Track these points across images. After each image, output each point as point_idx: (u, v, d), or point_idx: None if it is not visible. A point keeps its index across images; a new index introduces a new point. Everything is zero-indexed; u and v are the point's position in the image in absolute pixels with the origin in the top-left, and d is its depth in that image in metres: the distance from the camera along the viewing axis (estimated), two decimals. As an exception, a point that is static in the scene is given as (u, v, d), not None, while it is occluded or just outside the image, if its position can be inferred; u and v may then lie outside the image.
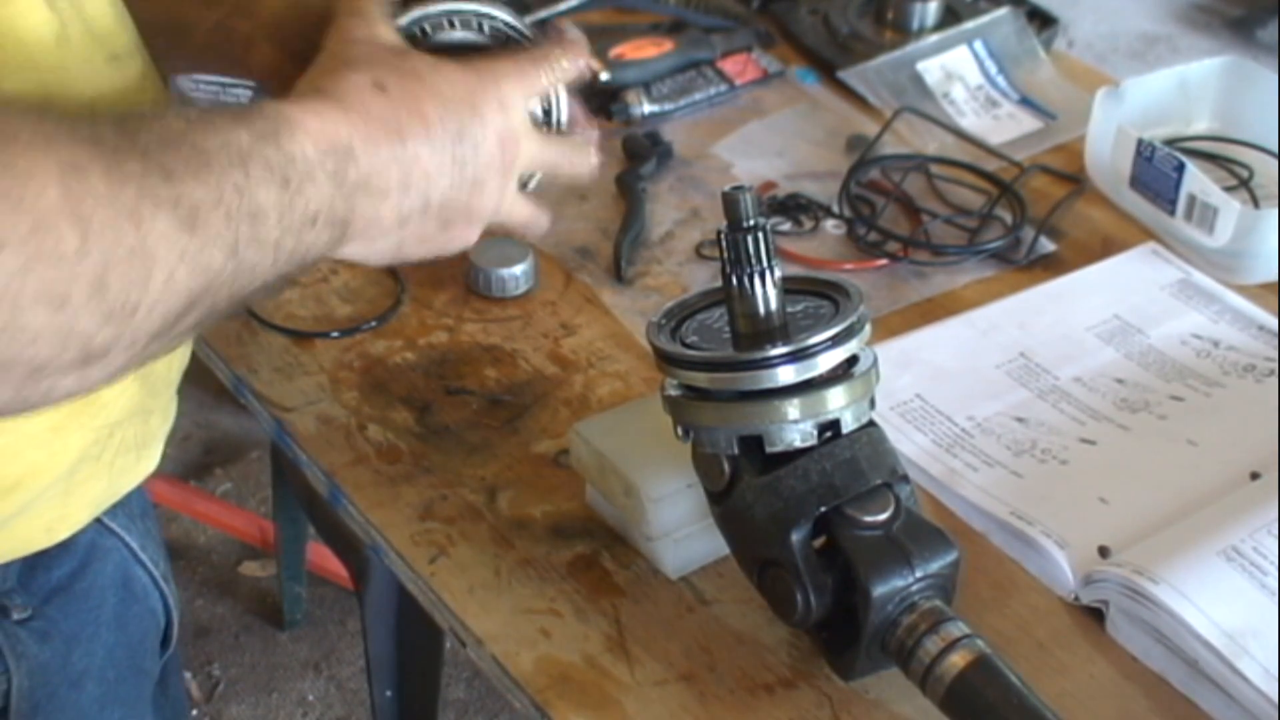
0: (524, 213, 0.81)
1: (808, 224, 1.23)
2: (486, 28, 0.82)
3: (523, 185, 0.81)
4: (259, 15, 0.84)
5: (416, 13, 0.80)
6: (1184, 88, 1.31)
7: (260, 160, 0.65)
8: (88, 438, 0.78)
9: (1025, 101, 1.39)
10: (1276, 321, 1.12)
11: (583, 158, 0.83)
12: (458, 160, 0.73)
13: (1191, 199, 1.17)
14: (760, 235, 0.80)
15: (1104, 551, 0.90)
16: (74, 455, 0.77)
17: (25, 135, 0.57)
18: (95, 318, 0.58)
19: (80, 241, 0.57)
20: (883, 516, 0.79)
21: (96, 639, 0.87)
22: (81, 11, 0.70)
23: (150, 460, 0.85)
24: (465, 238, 0.77)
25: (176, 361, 0.83)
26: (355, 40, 0.75)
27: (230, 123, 0.65)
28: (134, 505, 0.89)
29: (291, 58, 0.84)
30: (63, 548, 0.82)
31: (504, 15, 0.82)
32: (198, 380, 0.92)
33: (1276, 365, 1.08)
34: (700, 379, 0.81)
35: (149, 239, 0.59)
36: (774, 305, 0.81)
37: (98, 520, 0.84)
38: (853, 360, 0.82)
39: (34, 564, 0.81)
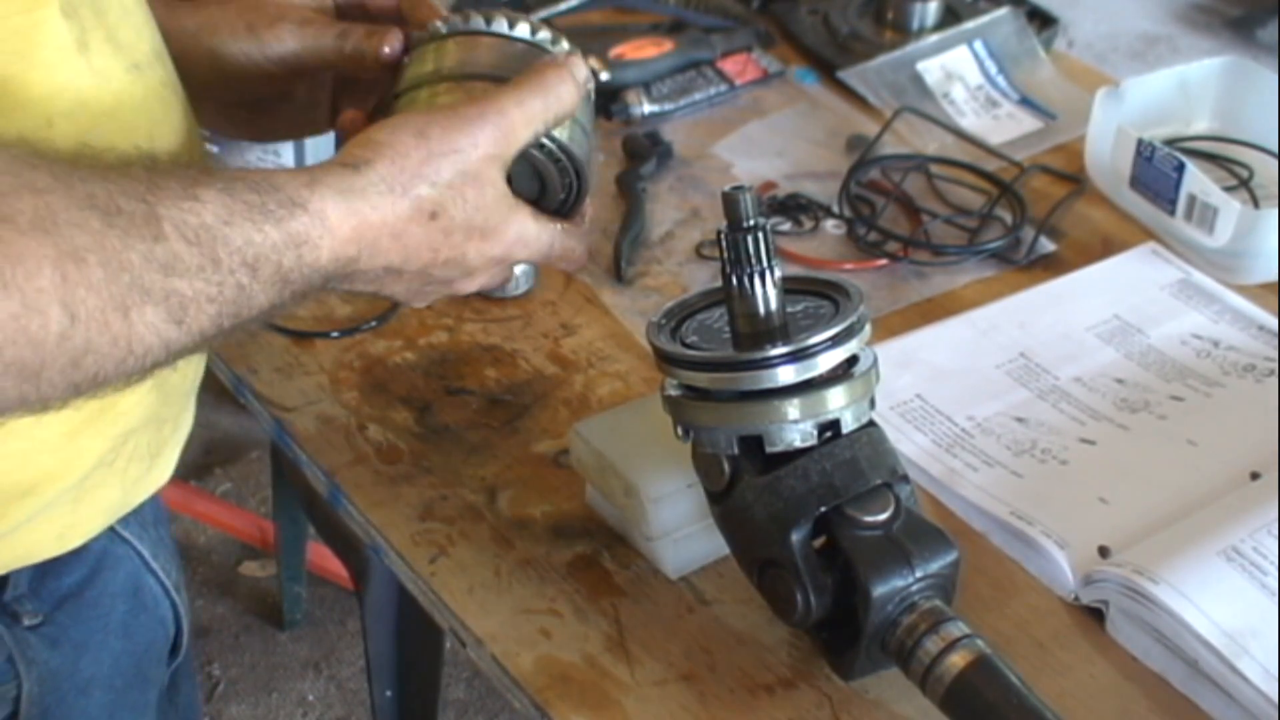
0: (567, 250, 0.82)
1: (808, 224, 1.23)
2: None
3: None
4: (190, 83, 0.83)
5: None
6: (1184, 88, 1.31)
7: (274, 266, 0.66)
8: (103, 445, 0.77)
9: (1025, 101, 1.39)
10: (1276, 321, 1.12)
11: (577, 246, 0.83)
12: (449, 261, 0.75)
13: (1191, 199, 1.17)
14: (760, 235, 0.80)
15: (1104, 551, 0.90)
16: (89, 462, 0.77)
17: (28, 215, 0.57)
18: (62, 388, 0.60)
19: (66, 326, 0.58)
20: (883, 516, 0.79)
21: (105, 647, 0.87)
22: (103, 19, 0.70)
23: (164, 469, 0.85)
24: (434, 300, 0.80)
25: (192, 370, 0.83)
26: (456, 147, 0.74)
27: (263, 216, 0.66)
28: (147, 514, 0.89)
29: (238, 109, 0.87)
30: (74, 555, 0.82)
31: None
32: (198, 380, 0.92)
33: (1276, 365, 1.08)
34: (700, 379, 0.81)
35: (135, 329, 0.61)
36: (774, 305, 0.81)
37: (110, 528, 0.84)
38: (853, 360, 0.82)
39: (45, 571, 0.81)
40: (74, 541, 0.81)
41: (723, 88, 1.38)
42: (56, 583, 0.83)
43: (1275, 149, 1.27)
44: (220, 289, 0.64)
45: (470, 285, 0.78)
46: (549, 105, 0.76)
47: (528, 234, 0.77)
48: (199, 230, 0.63)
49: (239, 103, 0.87)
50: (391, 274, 0.73)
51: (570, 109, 0.77)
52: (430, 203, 0.72)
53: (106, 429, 0.77)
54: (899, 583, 0.78)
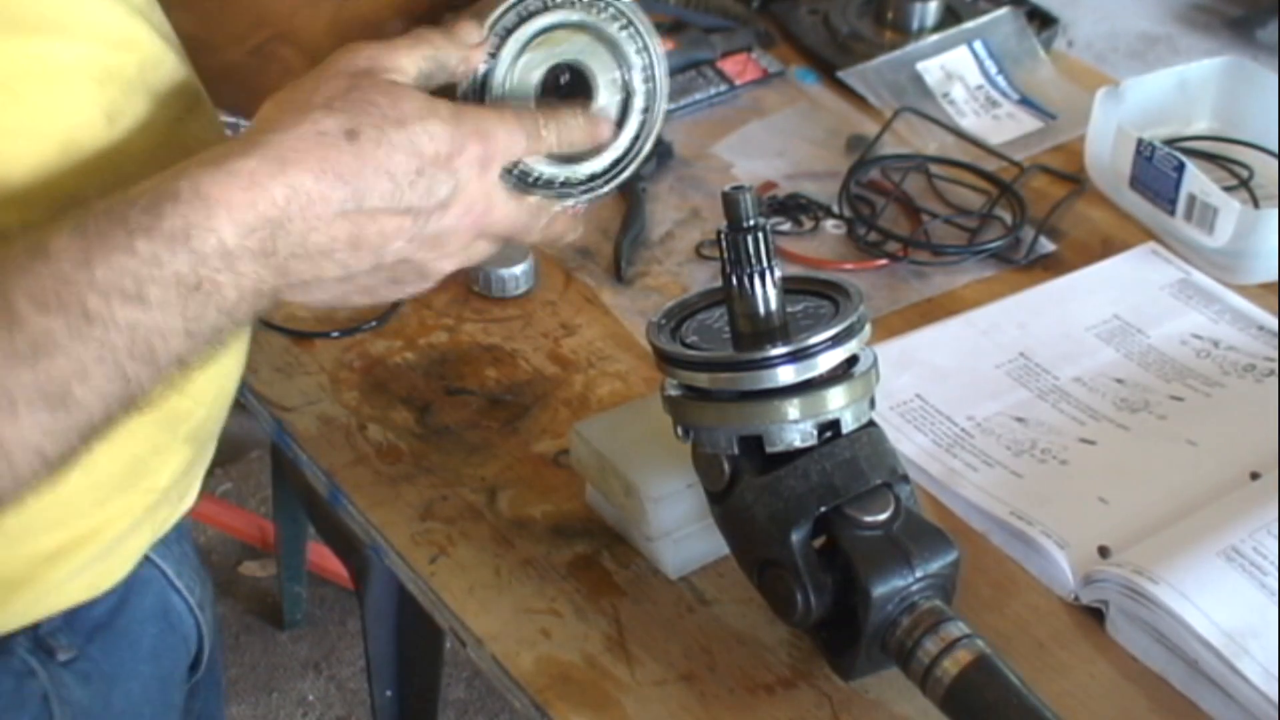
0: (556, 230, 0.76)
1: (808, 224, 1.23)
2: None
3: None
4: (302, 40, 0.80)
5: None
6: (1184, 88, 1.31)
7: (161, 280, 0.60)
8: (137, 506, 0.77)
9: (1025, 101, 1.39)
10: (1276, 321, 1.12)
11: (567, 226, 0.77)
12: (418, 221, 0.68)
13: (1191, 199, 1.17)
14: (760, 235, 0.80)
15: (1104, 551, 0.90)
16: (123, 524, 0.77)
17: None
18: None
19: None
20: (883, 516, 0.79)
21: (135, 675, 0.86)
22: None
23: (192, 498, 0.84)
24: (416, 290, 0.73)
25: (219, 408, 0.82)
26: (350, 70, 0.68)
27: (127, 234, 0.60)
28: (170, 531, 0.88)
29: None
30: None
31: None
32: (198, 380, 0.92)
33: (1276, 365, 1.08)
34: (700, 379, 0.81)
35: (19, 431, 0.58)
36: (774, 305, 0.81)
37: None
38: (853, 360, 0.82)
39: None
40: (105, 586, 0.81)
41: (723, 88, 1.38)
42: (88, 612, 0.82)
43: (1275, 149, 1.27)
44: (103, 344, 0.59)
45: (443, 263, 0.71)
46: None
47: (488, 127, 0.70)
48: (57, 290, 0.58)
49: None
50: (349, 248, 0.66)
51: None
52: (336, 121, 0.65)
53: (140, 491, 0.77)
54: (899, 583, 0.78)
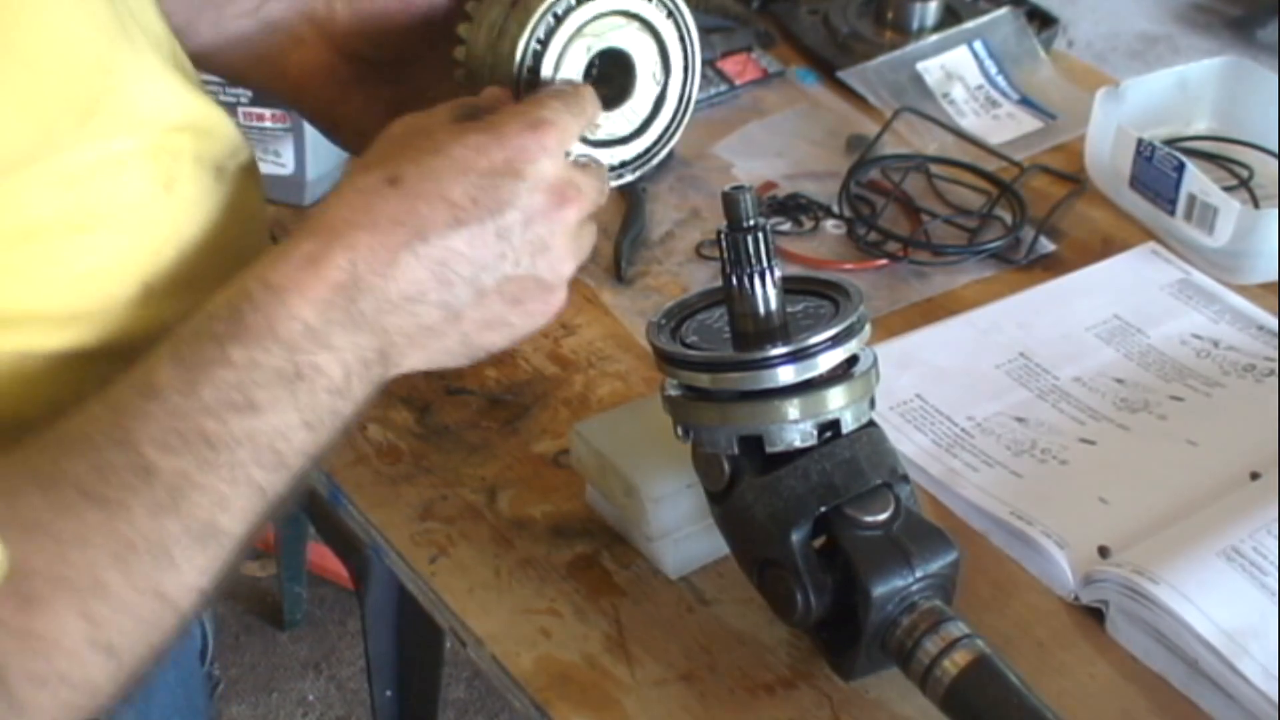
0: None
1: (808, 224, 1.23)
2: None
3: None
4: (313, 4, 0.79)
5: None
6: (1184, 88, 1.31)
7: (263, 381, 0.61)
8: None
9: (1025, 101, 1.39)
10: (1276, 321, 1.12)
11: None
12: (504, 234, 0.66)
13: (1191, 199, 1.17)
14: (760, 235, 0.80)
15: (1104, 551, 0.90)
16: None
17: (41, 562, 0.56)
18: (112, 684, 0.59)
19: (108, 659, 0.58)
20: (883, 516, 0.79)
21: (163, 683, 0.86)
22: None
23: None
24: (548, 308, 0.70)
25: None
26: (385, 135, 0.69)
27: (221, 348, 0.61)
28: None
29: (346, 59, 0.81)
30: None
31: None
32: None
33: (1276, 365, 1.08)
34: (700, 379, 0.81)
35: (175, 593, 0.59)
36: (774, 305, 0.81)
37: None
38: (853, 360, 0.82)
39: None
40: None
41: (723, 88, 1.38)
42: None
43: (1275, 149, 1.27)
44: (232, 466, 0.60)
45: (554, 263, 0.69)
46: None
47: (575, 168, 0.69)
48: (175, 426, 0.59)
49: (375, 60, 0.81)
50: (440, 287, 0.65)
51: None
52: (375, 175, 0.65)
53: None
54: (899, 583, 0.78)
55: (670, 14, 0.77)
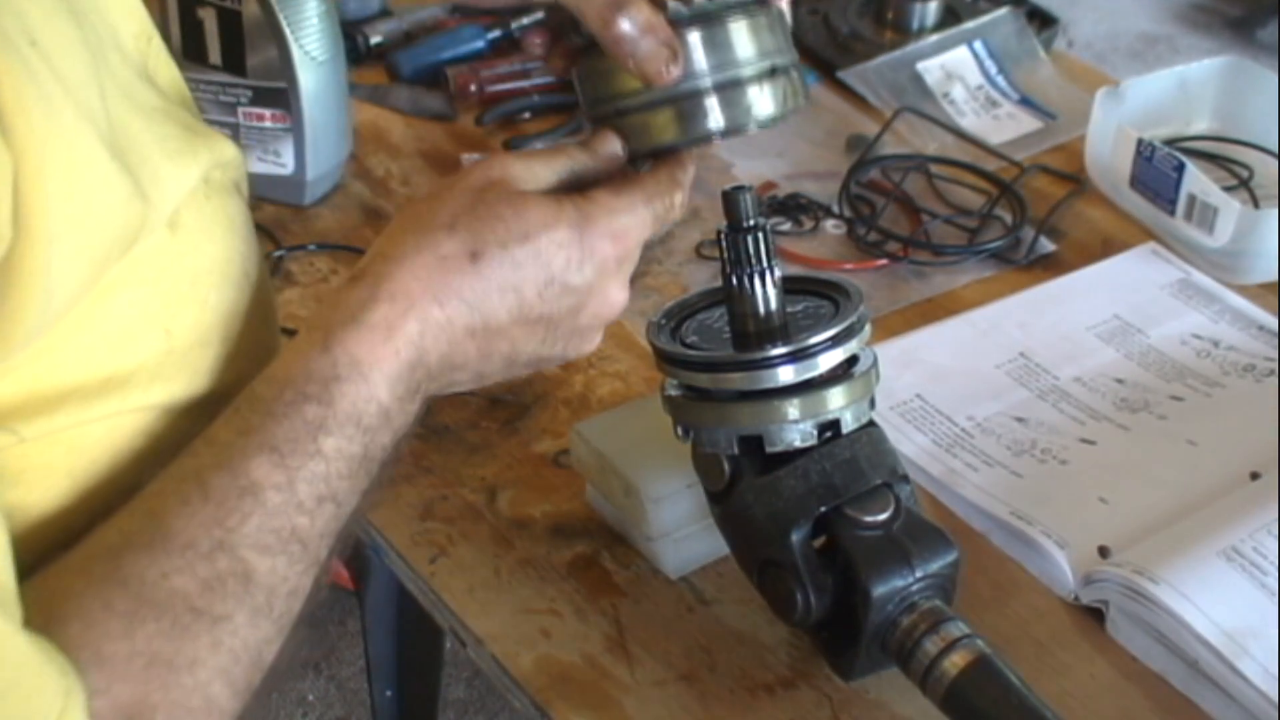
0: None
1: (808, 224, 1.23)
2: None
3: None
4: None
5: None
6: (1184, 88, 1.31)
7: (346, 472, 0.64)
8: None
9: (1025, 101, 1.39)
10: (1276, 321, 1.12)
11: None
12: (553, 327, 0.70)
13: (1191, 199, 1.17)
14: (760, 235, 0.80)
15: (1104, 551, 0.90)
16: None
17: (159, 696, 0.58)
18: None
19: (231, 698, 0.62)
20: (883, 516, 0.79)
21: None
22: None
23: None
24: (557, 362, 0.74)
25: None
26: (478, 184, 0.69)
27: (314, 439, 0.63)
28: None
29: None
30: None
31: None
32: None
33: (1276, 365, 1.08)
34: (700, 379, 0.81)
35: (263, 665, 0.63)
36: (774, 305, 0.81)
37: None
38: (853, 360, 0.82)
39: None
40: None
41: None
42: None
43: (1275, 149, 1.27)
44: (314, 560, 0.63)
45: (584, 345, 0.73)
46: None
47: (612, 206, 0.71)
48: (274, 527, 0.61)
49: None
50: (481, 359, 0.69)
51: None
52: (459, 243, 0.67)
53: None
54: (899, 583, 0.78)
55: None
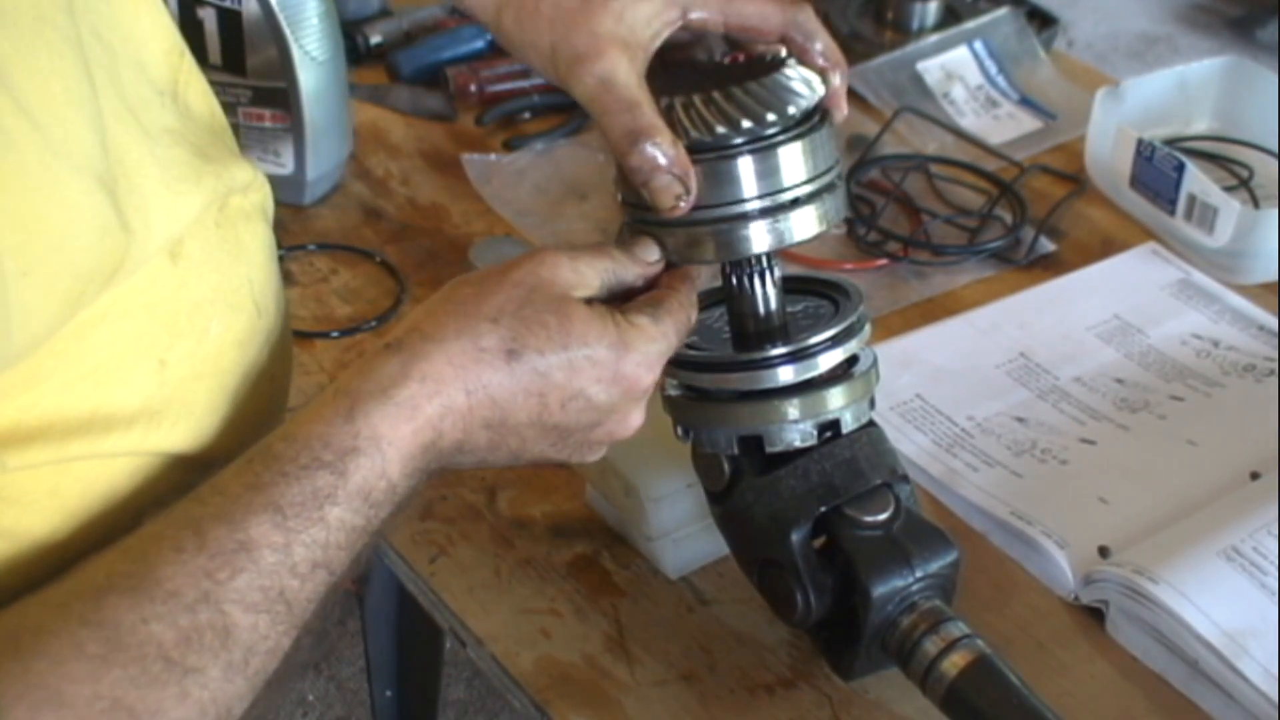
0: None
1: (808, 224, 1.22)
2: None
3: None
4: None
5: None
6: (1184, 88, 1.31)
7: (345, 543, 0.63)
8: None
9: (1025, 101, 1.39)
10: (1276, 321, 1.12)
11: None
12: (566, 435, 0.71)
13: (1191, 199, 1.17)
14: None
15: (1104, 551, 0.90)
16: None
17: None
18: None
19: None
20: (883, 516, 0.79)
21: None
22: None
23: None
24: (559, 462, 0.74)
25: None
26: (530, 281, 0.70)
27: (320, 507, 0.62)
28: None
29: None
30: None
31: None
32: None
33: (1276, 365, 1.08)
34: (700, 379, 0.81)
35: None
36: (774, 305, 0.81)
37: None
38: (853, 360, 0.81)
39: None
40: None
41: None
42: None
43: (1275, 149, 1.27)
44: (297, 623, 0.62)
45: (588, 454, 0.73)
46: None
47: (638, 338, 0.71)
48: (263, 586, 0.61)
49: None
50: (488, 450, 0.69)
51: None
52: (498, 338, 0.67)
53: None
54: (899, 583, 0.78)
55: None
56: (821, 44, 0.77)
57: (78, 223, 0.57)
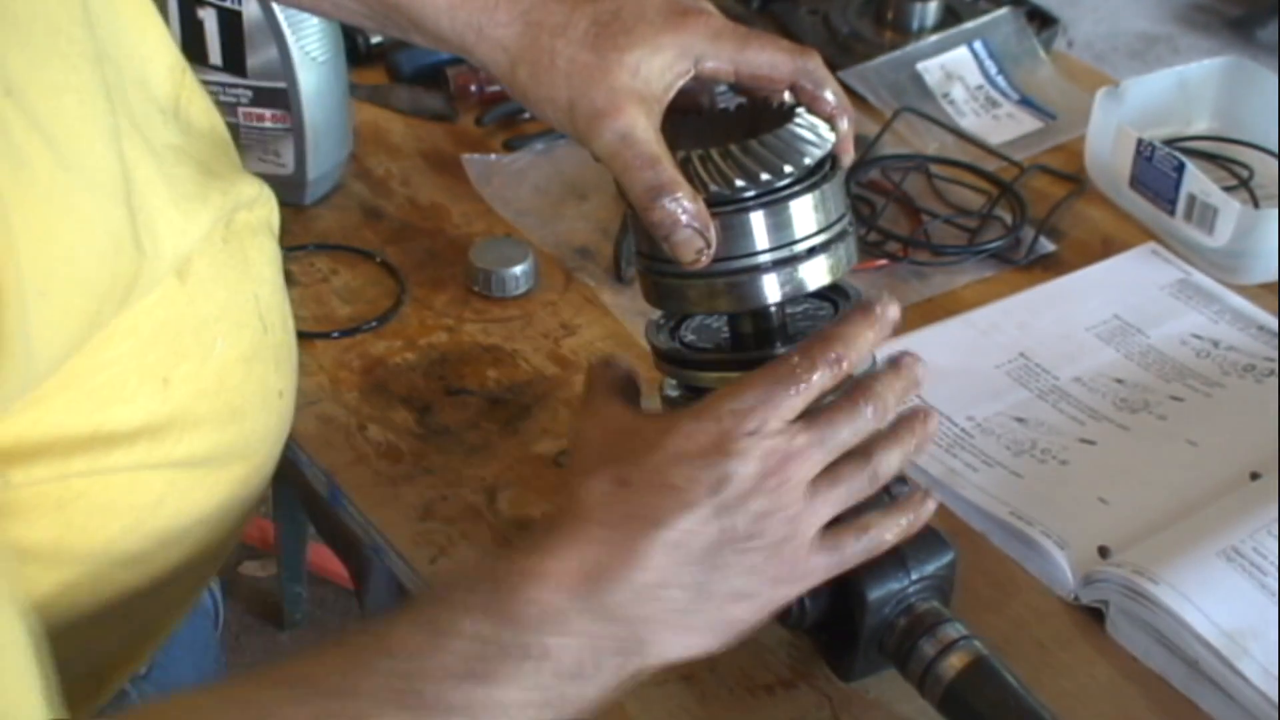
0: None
1: (808, 224, 1.22)
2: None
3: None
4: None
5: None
6: (1184, 88, 1.31)
7: (491, 656, 0.63)
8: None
9: (1025, 101, 1.39)
10: (1276, 321, 1.12)
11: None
12: (724, 509, 0.68)
13: (1191, 199, 1.17)
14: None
15: (1104, 551, 0.90)
16: (160, 642, 0.78)
17: None
18: None
19: None
20: (881, 517, 0.79)
21: (182, 657, 0.87)
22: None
23: None
24: (794, 571, 0.71)
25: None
26: (585, 438, 0.73)
27: (451, 635, 0.63)
28: None
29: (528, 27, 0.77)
30: None
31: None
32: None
33: (1276, 365, 1.08)
34: (699, 379, 0.81)
35: None
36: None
37: None
38: (852, 361, 0.81)
39: None
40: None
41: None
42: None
43: (1275, 149, 1.27)
44: None
45: (779, 524, 0.69)
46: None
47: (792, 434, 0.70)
48: (399, 688, 0.61)
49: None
50: (678, 565, 0.68)
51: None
52: (608, 475, 0.69)
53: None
54: (895, 585, 0.78)
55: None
56: (830, 91, 0.77)
57: (91, 240, 0.57)
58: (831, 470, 0.71)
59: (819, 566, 0.72)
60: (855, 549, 0.72)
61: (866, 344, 0.73)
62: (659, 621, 0.68)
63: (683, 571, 0.67)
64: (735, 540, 0.68)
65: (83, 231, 0.57)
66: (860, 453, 0.72)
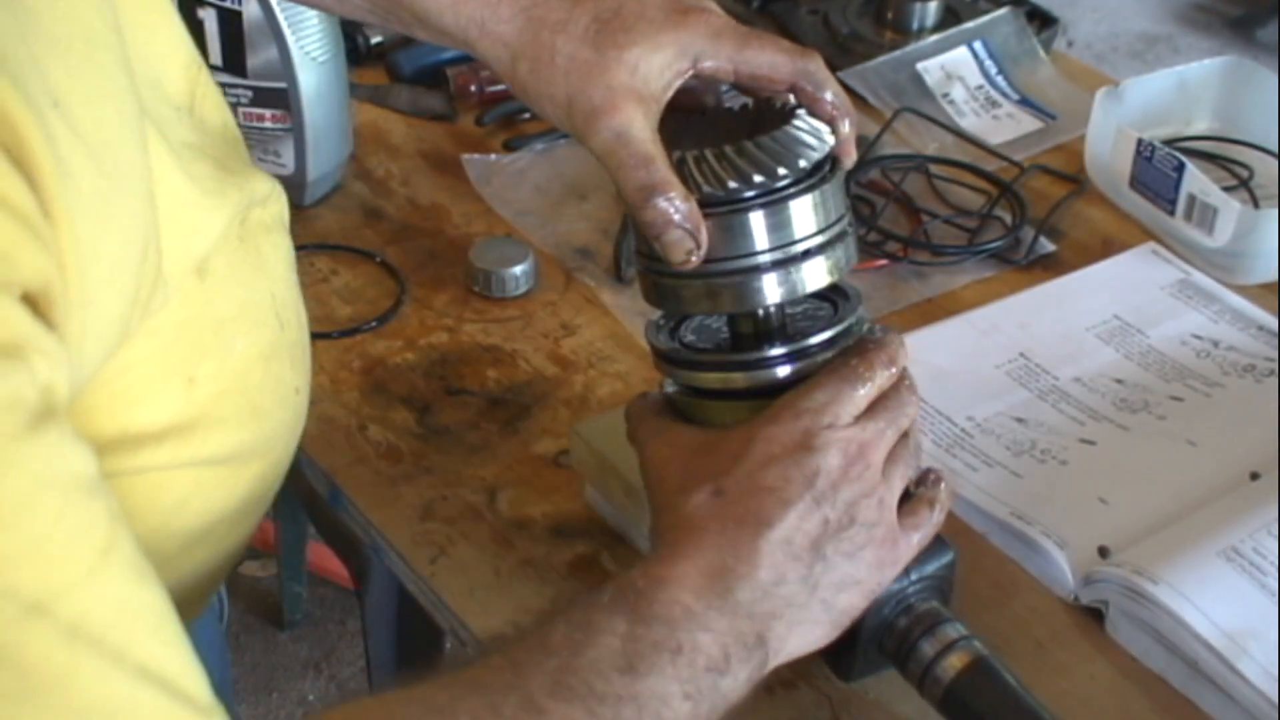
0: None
1: (808, 224, 1.22)
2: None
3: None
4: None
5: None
6: (1184, 88, 1.31)
7: (645, 653, 0.66)
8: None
9: (1025, 101, 1.39)
10: (1276, 321, 1.12)
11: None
12: (820, 500, 0.72)
13: (1191, 199, 1.17)
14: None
15: (1104, 551, 0.90)
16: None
17: None
18: None
19: None
20: (881, 517, 0.79)
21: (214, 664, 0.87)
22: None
23: None
24: (890, 553, 0.75)
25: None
26: (661, 459, 0.76)
27: (606, 633, 0.66)
28: None
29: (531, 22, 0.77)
30: None
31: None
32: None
33: (1276, 365, 1.08)
34: (699, 379, 0.81)
35: None
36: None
37: None
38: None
39: None
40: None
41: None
42: None
43: (1275, 149, 1.27)
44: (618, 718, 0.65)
45: (876, 508, 0.74)
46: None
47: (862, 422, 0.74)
48: (569, 681, 0.64)
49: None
50: (793, 561, 0.71)
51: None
52: (701, 490, 0.72)
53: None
54: (894, 585, 0.78)
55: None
56: (831, 93, 0.77)
57: (126, 246, 0.57)
58: (891, 452, 0.75)
59: (908, 544, 0.76)
60: (932, 520, 0.77)
61: (904, 357, 0.78)
62: (779, 618, 0.71)
63: (795, 567, 0.71)
64: (835, 530, 0.72)
65: (120, 238, 0.57)
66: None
